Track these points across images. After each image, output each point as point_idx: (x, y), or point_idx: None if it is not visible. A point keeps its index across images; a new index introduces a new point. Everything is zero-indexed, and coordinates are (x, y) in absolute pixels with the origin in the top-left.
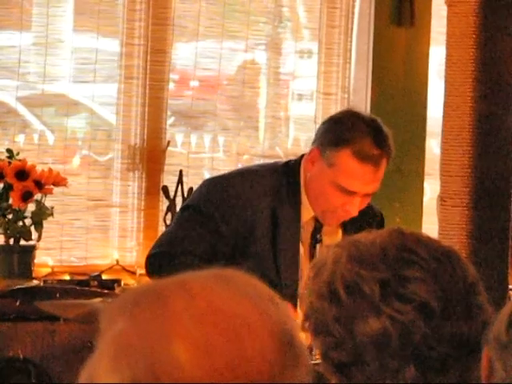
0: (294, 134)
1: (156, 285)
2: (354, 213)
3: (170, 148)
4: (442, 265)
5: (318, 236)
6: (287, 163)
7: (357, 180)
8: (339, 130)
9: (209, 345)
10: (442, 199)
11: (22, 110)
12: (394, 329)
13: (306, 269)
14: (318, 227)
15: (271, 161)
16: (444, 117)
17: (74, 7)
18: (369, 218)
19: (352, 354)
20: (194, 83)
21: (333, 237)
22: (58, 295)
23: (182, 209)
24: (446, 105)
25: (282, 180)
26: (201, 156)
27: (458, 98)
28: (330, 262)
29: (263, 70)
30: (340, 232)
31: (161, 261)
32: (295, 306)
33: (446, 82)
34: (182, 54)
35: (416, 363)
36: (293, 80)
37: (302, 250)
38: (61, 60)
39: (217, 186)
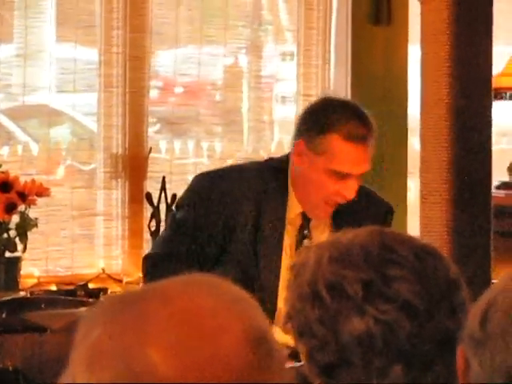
0: (277, 136)
1: (131, 291)
2: (350, 196)
3: (152, 155)
4: (423, 263)
5: (306, 232)
6: (274, 159)
7: (350, 161)
8: (322, 117)
9: (181, 345)
10: (422, 196)
11: (6, 121)
12: (378, 328)
13: None
14: (305, 223)
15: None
16: (421, 114)
17: (55, 18)
18: (369, 213)
19: (337, 355)
20: (177, 89)
21: (321, 230)
22: (43, 306)
23: (175, 206)
24: (423, 102)
25: (269, 176)
26: (184, 162)
27: (435, 95)
28: (312, 262)
29: (245, 73)
30: (327, 228)
31: (153, 262)
32: (275, 304)
33: (421, 78)
34: (164, 60)
35: (401, 362)
36: (275, 83)
37: (288, 248)
38: (42, 71)
39: (203, 183)
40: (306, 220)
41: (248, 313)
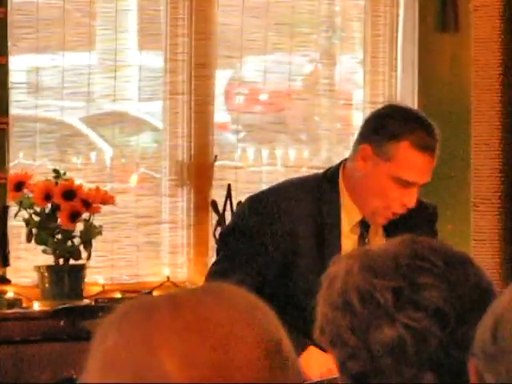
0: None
1: (145, 299)
2: (411, 204)
3: (218, 162)
4: (455, 271)
5: (366, 240)
6: (327, 171)
7: (416, 171)
8: (392, 124)
9: (194, 354)
10: (474, 204)
11: (84, 129)
12: (409, 336)
13: None
14: (364, 231)
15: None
16: (473, 121)
17: (137, 27)
18: (419, 218)
19: (368, 364)
20: (262, 97)
21: (379, 237)
22: (100, 314)
23: (225, 233)
24: (475, 110)
25: (320, 188)
26: (257, 170)
27: (486, 103)
28: (343, 272)
29: (321, 81)
30: (383, 237)
31: None
32: None
33: (473, 86)
34: (249, 67)
35: (433, 370)
36: (352, 90)
37: None
38: (122, 79)
39: (255, 202)
40: (364, 228)
41: (262, 322)
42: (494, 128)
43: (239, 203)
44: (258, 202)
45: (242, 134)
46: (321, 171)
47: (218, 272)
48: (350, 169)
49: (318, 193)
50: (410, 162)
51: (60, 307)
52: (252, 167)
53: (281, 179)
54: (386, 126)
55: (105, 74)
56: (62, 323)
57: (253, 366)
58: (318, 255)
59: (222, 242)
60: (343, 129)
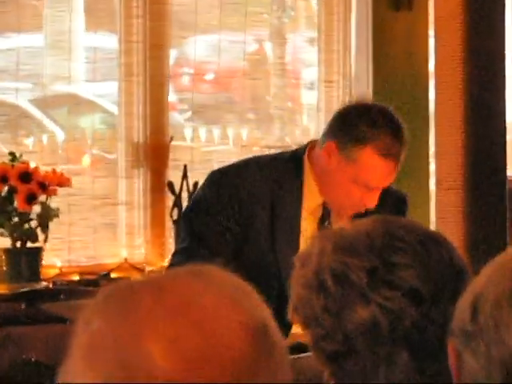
0: (304, 123)
1: (128, 283)
2: (372, 206)
3: (174, 143)
4: (428, 250)
5: (327, 223)
6: (294, 152)
7: (378, 176)
8: (359, 127)
9: (179, 337)
10: (437, 182)
11: (33, 110)
12: (384, 316)
13: None
14: (325, 214)
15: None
16: (436, 99)
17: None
18: (387, 206)
19: (342, 344)
20: (207, 77)
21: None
22: (62, 297)
23: (188, 210)
24: (437, 87)
25: (285, 168)
26: (207, 150)
27: (449, 80)
28: (316, 252)
29: (269, 60)
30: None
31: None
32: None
33: (435, 64)
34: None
35: (408, 349)
36: (301, 69)
37: (308, 237)
38: (69, 60)
39: (215, 177)
40: (326, 211)
41: (247, 304)
42: (456, 105)
43: (195, 184)
44: (218, 176)
45: (188, 114)
46: (287, 150)
47: (184, 250)
48: (317, 155)
49: (281, 172)
50: (373, 168)
51: (20, 291)
52: (205, 147)
53: (233, 159)
54: (353, 128)
55: (55, 56)
56: (22, 306)
57: (237, 348)
58: (271, 233)
59: (184, 219)
60: (294, 108)
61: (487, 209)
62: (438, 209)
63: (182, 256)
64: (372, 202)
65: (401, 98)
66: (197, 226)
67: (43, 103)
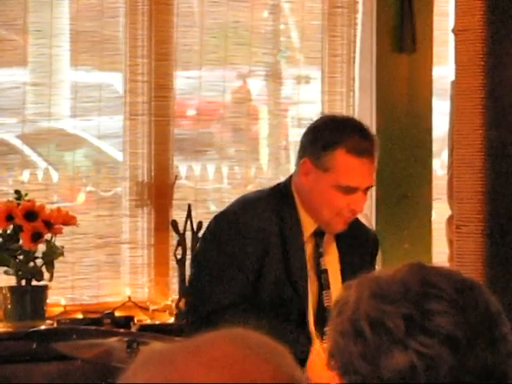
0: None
1: (163, 346)
2: (360, 209)
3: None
4: (464, 296)
5: (321, 250)
6: (278, 185)
7: (356, 175)
8: (325, 134)
9: None
10: (456, 227)
11: (25, 148)
12: (421, 362)
13: (312, 283)
14: (318, 242)
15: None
16: (454, 145)
17: (71, 43)
18: (363, 238)
19: None
20: (191, 112)
21: (330, 251)
22: (74, 336)
23: (200, 254)
24: (456, 133)
25: (279, 202)
26: (205, 187)
27: (468, 126)
28: (353, 299)
29: (264, 98)
30: (335, 247)
31: (206, 325)
32: (306, 319)
33: (455, 109)
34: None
35: None
36: (294, 107)
37: (308, 265)
38: (60, 97)
39: (225, 220)
40: (319, 238)
41: (277, 358)
42: (475, 151)
43: (200, 224)
44: (227, 219)
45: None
46: (268, 187)
47: (203, 288)
48: (296, 184)
49: (280, 205)
50: (349, 168)
51: (31, 330)
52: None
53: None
54: (320, 137)
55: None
56: (34, 346)
57: None
58: (285, 264)
59: (198, 261)
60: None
61: (506, 254)
62: (458, 254)
63: (203, 294)
64: (359, 205)
65: (404, 138)
66: (214, 264)
67: (31, 139)
